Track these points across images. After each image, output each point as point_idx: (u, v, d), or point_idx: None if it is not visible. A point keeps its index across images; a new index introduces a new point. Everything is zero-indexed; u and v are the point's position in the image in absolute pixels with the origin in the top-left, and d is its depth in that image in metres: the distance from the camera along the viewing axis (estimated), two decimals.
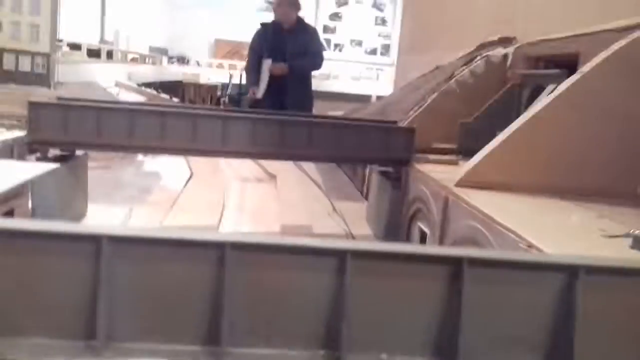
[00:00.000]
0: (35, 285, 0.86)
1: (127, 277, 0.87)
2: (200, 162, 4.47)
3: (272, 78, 5.33)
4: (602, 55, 2.37)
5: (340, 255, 0.90)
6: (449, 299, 0.90)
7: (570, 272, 0.94)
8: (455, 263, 0.90)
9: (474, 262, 0.89)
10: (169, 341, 0.89)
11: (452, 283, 0.90)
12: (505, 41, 3.89)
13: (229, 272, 0.88)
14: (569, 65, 2.86)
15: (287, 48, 5.38)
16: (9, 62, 6.01)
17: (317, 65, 5.68)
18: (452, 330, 0.90)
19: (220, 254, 0.88)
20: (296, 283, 0.90)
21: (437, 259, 0.91)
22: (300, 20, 5.59)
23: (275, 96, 5.27)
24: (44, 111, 2.53)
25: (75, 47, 8.79)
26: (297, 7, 5.53)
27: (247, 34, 6.32)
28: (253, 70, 5.54)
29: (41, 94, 5.21)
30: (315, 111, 5.59)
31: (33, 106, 2.52)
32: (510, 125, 2.45)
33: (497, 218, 1.77)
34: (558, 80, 2.76)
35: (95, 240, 0.86)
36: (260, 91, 5.34)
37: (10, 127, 2.60)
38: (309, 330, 0.91)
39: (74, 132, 2.55)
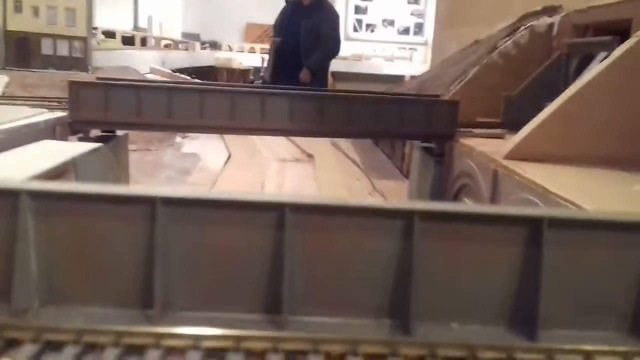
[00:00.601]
0: (89, 251, 0.82)
1: (182, 242, 0.82)
2: (238, 144, 4.44)
3: (286, 60, 5.21)
4: None
5: (407, 216, 0.83)
6: (527, 264, 0.83)
7: None
8: (534, 224, 0.82)
9: (555, 222, 0.81)
10: (226, 309, 0.84)
11: (531, 246, 0.83)
12: (549, 10, 3.73)
13: (288, 235, 0.82)
14: (620, 31, 2.72)
15: (300, 26, 5.24)
16: (46, 47, 6.07)
17: (333, 52, 5.51)
18: (531, 298, 0.82)
19: (280, 216, 0.82)
20: (359, 247, 0.84)
21: (513, 219, 0.83)
22: None
23: (287, 79, 5.13)
24: (84, 91, 2.52)
25: (109, 34, 8.85)
26: None
27: None
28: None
29: (79, 77, 5.27)
30: None
31: (73, 86, 2.51)
32: (562, 95, 2.33)
33: (554, 189, 1.69)
34: (610, 47, 2.63)
35: (148, 203, 0.81)
36: (268, 72, 5.22)
37: (51, 108, 2.60)
38: (373, 298, 0.85)
39: (114, 111, 2.53)
